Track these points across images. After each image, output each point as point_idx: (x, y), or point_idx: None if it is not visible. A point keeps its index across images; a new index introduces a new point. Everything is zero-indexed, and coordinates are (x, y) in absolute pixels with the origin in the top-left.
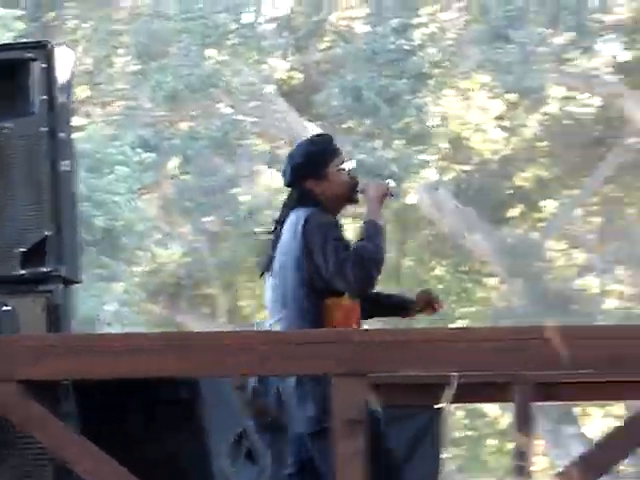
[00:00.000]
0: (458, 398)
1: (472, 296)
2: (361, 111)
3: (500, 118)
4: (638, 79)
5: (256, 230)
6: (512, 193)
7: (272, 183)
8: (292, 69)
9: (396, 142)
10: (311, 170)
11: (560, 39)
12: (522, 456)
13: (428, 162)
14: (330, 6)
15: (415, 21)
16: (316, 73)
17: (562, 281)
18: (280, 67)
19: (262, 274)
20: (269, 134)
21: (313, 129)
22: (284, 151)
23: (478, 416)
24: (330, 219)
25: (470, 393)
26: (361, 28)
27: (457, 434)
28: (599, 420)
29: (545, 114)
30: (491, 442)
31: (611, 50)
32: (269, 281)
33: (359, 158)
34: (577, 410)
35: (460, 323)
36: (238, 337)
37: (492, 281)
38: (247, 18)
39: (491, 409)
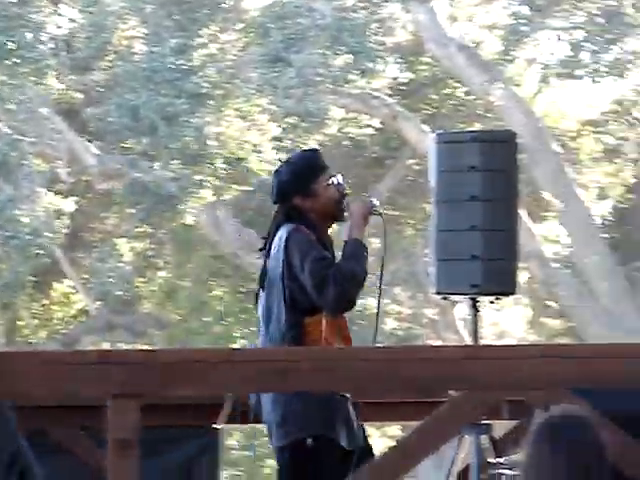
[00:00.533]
0: (234, 418)
1: (252, 317)
2: (139, 130)
3: (279, 140)
4: (416, 101)
5: (37, 252)
6: None
7: (52, 204)
8: (71, 89)
9: (174, 162)
10: (298, 187)
11: (340, 61)
12: None
13: (206, 182)
14: (111, 26)
15: (195, 41)
16: (95, 92)
17: None
18: (59, 87)
19: (258, 290)
20: (48, 154)
21: (91, 149)
22: (63, 171)
23: (256, 436)
24: (310, 237)
25: (247, 413)
26: (141, 48)
27: (235, 454)
28: (376, 440)
29: (325, 136)
30: (270, 462)
31: (391, 72)
32: (261, 297)
33: (135, 177)
34: None
35: (240, 344)
36: (13, 358)
37: None
38: (27, 37)
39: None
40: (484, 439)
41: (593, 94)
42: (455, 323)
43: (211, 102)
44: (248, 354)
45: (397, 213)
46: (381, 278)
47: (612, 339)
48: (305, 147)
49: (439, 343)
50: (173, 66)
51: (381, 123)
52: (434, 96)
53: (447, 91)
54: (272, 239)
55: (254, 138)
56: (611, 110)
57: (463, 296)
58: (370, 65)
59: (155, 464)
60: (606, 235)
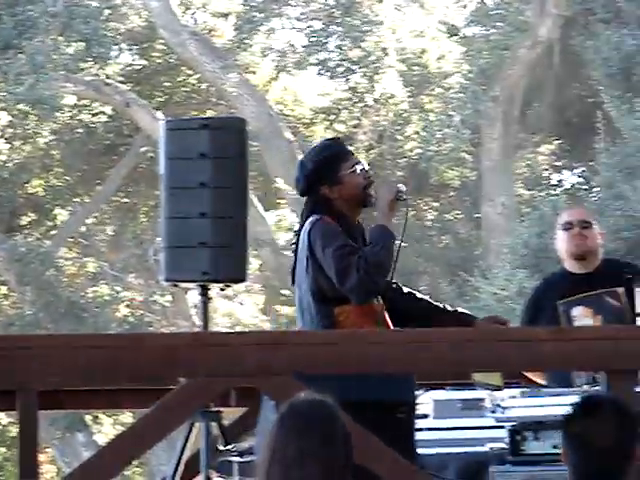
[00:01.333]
0: None
1: None
2: None
3: (11, 127)
4: (149, 88)
5: None
6: (23, 201)
7: None
8: None
9: None
10: (324, 176)
11: (72, 48)
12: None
13: None
14: None
15: None
16: None
17: (74, 289)
18: None
19: (293, 284)
20: None
21: None
22: None
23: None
24: (332, 226)
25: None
26: None
27: None
28: (110, 427)
29: (57, 123)
30: (1, 450)
31: (124, 59)
32: (295, 292)
33: None
34: (89, 418)
35: None
36: None
37: (3, 289)
38: None
39: (1, 417)
40: (214, 426)
41: (327, 82)
42: (188, 310)
43: None
44: None
45: (130, 200)
46: (395, 262)
47: None
48: (328, 137)
49: (170, 330)
50: None
51: (114, 110)
52: (167, 83)
53: (180, 78)
54: (299, 233)
55: None
56: (345, 98)
57: (192, 283)
58: (103, 52)
59: None
60: None
